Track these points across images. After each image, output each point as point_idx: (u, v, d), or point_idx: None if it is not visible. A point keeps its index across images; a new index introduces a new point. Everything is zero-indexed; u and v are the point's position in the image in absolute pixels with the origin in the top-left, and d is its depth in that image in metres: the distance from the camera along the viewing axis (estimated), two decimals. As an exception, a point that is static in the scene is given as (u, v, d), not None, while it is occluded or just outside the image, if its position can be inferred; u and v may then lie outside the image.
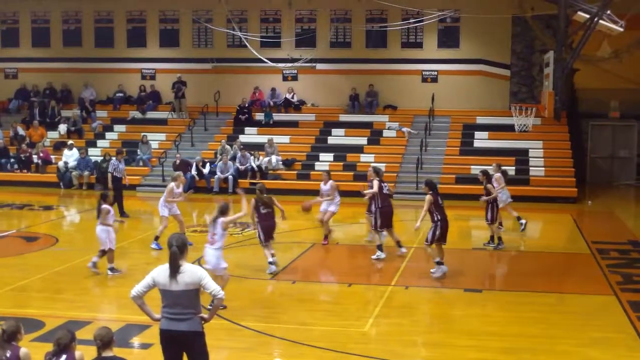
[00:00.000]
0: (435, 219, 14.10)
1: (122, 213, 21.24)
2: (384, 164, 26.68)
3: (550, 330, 11.22)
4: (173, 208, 17.03)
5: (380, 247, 15.77)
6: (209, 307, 8.01)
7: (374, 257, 15.72)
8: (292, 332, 10.96)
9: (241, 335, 10.86)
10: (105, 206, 14.20)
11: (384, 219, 15.79)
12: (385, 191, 15.99)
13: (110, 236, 14.22)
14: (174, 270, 7.37)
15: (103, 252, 14.30)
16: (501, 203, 18.26)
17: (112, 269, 14.33)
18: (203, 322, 7.59)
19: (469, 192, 23.39)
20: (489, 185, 17.00)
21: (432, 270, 14.19)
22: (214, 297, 7.49)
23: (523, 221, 19.34)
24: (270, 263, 14.54)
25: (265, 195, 14.68)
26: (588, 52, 24.99)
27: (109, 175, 21.16)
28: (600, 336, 10.90)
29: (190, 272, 7.42)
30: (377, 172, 16.23)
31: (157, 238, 16.78)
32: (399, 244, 16.06)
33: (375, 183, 15.85)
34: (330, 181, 17.08)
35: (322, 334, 10.94)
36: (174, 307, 7.42)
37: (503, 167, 19.66)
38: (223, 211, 12.18)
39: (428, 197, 14.06)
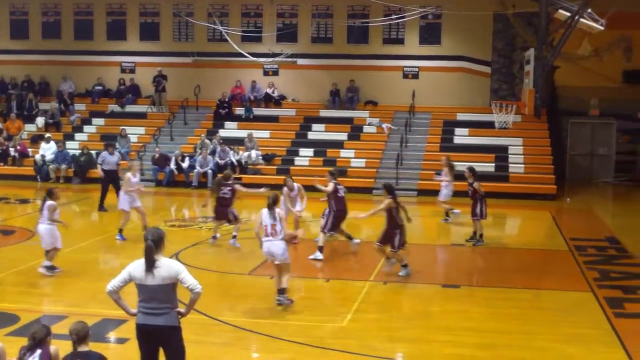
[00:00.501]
0: (399, 222, 13.79)
1: (101, 207, 21.19)
2: (364, 160, 26.77)
3: (528, 326, 11.26)
4: (135, 201, 17.16)
5: (321, 250, 15.45)
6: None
7: (311, 256, 15.31)
8: (270, 327, 10.92)
9: (219, 330, 10.81)
10: (52, 202, 13.64)
11: (334, 222, 15.79)
12: (340, 194, 15.89)
13: (55, 234, 13.70)
14: (150, 264, 7.30)
15: (53, 251, 13.81)
16: (442, 197, 20.04)
17: (49, 267, 13.77)
18: (180, 316, 7.53)
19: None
20: (475, 183, 17.06)
21: (399, 273, 13.97)
22: (191, 292, 7.42)
23: (456, 211, 19.93)
24: (214, 237, 16.64)
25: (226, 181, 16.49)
26: (568, 50, 25.15)
27: (99, 167, 21.72)
28: (577, 332, 10.95)
29: (166, 266, 7.36)
30: (332, 174, 16.22)
31: (121, 230, 17.03)
32: (350, 237, 16.07)
33: (331, 185, 15.77)
34: (295, 185, 16.83)
35: (301, 329, 10.91)
36: (150, 302, 7.37)
37: (452, 162, 20.78)
38: (276, 201, 11.94)
39: (388, 201, 13.68)
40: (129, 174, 17.22)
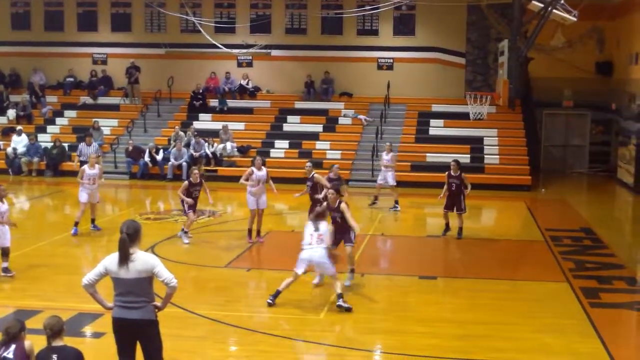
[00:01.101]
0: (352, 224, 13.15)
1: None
2: (340, 152, 26.73)
3: (504, 317, 11.32)
4: (95, 195, 17.09)
5: None
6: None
7: None
8: (247, 319, 10.89)
9: (195, 324, 10.73)
10: None
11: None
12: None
13: (6, 235, 13.05)
14: (124, 258, 7.22)
15: (5, 251, 13.16)
16: (381, 181, 20.89)
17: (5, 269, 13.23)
18: (156, 310, 7.46)
19: (425, 179, 23.52)
20: (463, 175, 17.02)
21: (345, 282, 12.83)
22: (167, 286, 7.35)
23: (377, 202, 21.07)
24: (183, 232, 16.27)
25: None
26: (542, 41, 25.23)
27: (76, 158, 21.82)
28: (553, 322, 11.01)
29: (142, 260, 7.28)
30: (311, 166, 16.06)
31: (76, 224, 16.78)
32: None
33: (320, 179, 15.48)
34: (264, 168, 16.01)
35: (278, 322, 10.89)
36: (126, 296, 7.30)
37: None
38: (324, 215, 11.86)
39: (344, 205, 12.87)
40: (85, 166, 17.21)
